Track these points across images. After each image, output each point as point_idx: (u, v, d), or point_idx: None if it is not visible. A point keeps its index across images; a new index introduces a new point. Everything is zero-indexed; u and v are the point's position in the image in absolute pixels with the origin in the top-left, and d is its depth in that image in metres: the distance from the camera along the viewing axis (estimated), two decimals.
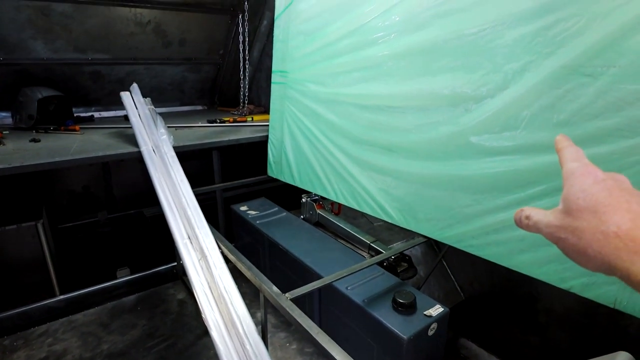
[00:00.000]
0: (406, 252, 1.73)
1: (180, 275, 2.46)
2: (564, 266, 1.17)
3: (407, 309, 1.33)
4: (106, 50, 2.76)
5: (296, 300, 1.26)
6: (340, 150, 1.85)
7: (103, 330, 2.04)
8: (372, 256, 1.80)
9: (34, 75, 2.65)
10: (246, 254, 1.60)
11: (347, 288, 1.48)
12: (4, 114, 2.75)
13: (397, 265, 1.69)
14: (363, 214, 1.85)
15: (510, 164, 1.25)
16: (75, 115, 2.80)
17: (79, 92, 2.91)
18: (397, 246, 1.82)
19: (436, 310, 1.35)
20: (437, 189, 1.47)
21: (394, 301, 1.35)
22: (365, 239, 1.84)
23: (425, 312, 1.33)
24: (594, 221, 0.35)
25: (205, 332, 1.97)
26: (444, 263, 1.91)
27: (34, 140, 2.18)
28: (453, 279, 1.89)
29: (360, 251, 1.86)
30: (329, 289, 1.52)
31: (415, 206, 1.57)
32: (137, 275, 2.43)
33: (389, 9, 1.57)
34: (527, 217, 0.42)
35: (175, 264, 2.47)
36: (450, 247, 1.47)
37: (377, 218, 1.74)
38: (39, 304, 2.16)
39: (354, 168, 1.79)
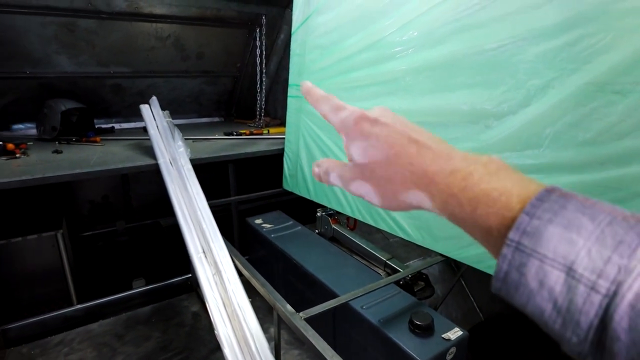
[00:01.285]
0: (423, 271, 1.69)
1: (194, 287, 2.46)
2: None
3: (425, 331, 1.29)
4: (127, 63, 2.83)
5: (310, 319, 1.23)
6: None
7: (118, 341, 2.05)
8: (388, 273, 1.76)
9: (58, 88, 2.73)
10: (260, 267, 1.58)
11: (362, 307, 1.45)
12: (29, 125, 2.83)
13: (414, 284, 1.65)
14: (379, 230, 1.82)
15: None
16: (96, 126, 2.86)
17: (101, 104, 2.98)
18: (414, 264, 1.78)
19: (455, 333, 1.30)
20: None
21: (411, 322, 1.31)
22: (381, 256, 1.81)
23: (443, 336, 1.29)
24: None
25: (218, 346, 1.95)
26: (463, 282, 1.85)
27: (57, 152, 2.23)
28: (472, 299, 1.83)
29: (375, 268, 1.83)
30: (344, 307, 1.49)
31: (433, 224, 1.53)
32: (152, 286, 2.45)
33: (406, 24, 1.55)
34: (326, 172, 0.43)
35: (190, 275, 2.47)
36: (468, 266, 1.43)
37: (393, 234, 1.71)
38: (56, 313, 2.19)
39: None
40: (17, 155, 2.12)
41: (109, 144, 2.50)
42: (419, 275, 1.69)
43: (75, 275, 2.30)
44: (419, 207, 0.37)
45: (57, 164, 1.97)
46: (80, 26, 2.46)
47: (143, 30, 2.70)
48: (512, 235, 0.26)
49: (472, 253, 1.39)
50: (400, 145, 0.36)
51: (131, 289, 2.43)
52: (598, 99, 1.05)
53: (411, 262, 1.94)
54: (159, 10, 2.59)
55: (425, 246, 1.55)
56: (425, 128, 1.37)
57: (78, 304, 2.27)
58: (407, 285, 1.65)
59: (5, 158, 2.07)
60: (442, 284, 1.92)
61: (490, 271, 1.34)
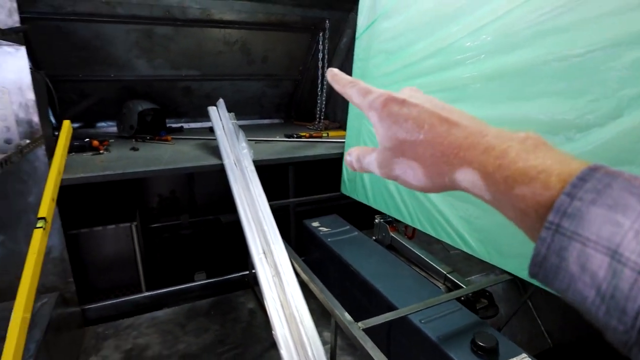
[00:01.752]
0: (487, 288, 1.60)
1: (251, 285, 2.54)
2: None
3: (488, 353, 1.22)
4: (197, 67, 2.99)
5: (367, 329, 1.22)
6: None
7: (180, 330, 2.17)
8: (448, 287, 1.69)
9: (136, 90, 2.95)
10: (315, 270, 1.59)
11: (420, 321, 1.41)
12: (110, 123, 3.10)
13: (476, 302, 1.57)
14: (439, 241, 1.76)
15: None
16: (167, 125, 3.06)
17: (172, 105, 3.18)
18: (477, 281, 1.70)
19: None
20: None
21: (473, 343, 1.25)
22: (442, 269, 1.74)
23: None
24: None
25: (272, 345, 2.00)
26: (530, 304, 1.73)
27: (133, 149, 2.42)
28: (539, 322, 1.71)
29: (434, 281, 1.76)
30: (402, 320, 1.45)
31: (501, 239, 1.45)
32: (212, 280, 2.56)
33: (479, 28, 1.48)
34: (358, 159, 0.42)
35: (247, 272, 2.56)
36: (537, 287, 1.33)
37: (454, 247, 1.64)
38: (128, 298, 2.37)
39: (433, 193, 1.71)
40: (101, 151, 2.32)
41: (179, 143, 2.66)
42: (481, 292, 1.61)
43: (145, 265, 2.48)
44: (453, 188, 0.35)
45: (134, 161, 2.13)
46: (158, 33, 2.65)
47: (213, 36, 2.84)
48: (552, 217, 0.25)
49: None
50: (431, 124, 0.35)
51: (193, 281, 2.57)
52: None
53: (473, 277, 1.85)
54: (228, 16, 2.70)
55: (491, 262, 1.47)
56: None
57: (146, 291, 2.44)
58: (468, 301, 1.57)
59: (91, 154, 2.28)
60: (507, 304, 1.81)
61: None
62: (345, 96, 0.44)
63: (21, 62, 1.66)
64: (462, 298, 1.56)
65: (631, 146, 1.07)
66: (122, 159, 2.16)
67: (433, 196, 1.70)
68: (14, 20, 1.57)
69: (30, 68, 1.69)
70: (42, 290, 1.98)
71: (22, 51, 1.64)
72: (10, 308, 1.18)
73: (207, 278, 2.59)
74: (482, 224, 1.51)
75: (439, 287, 1.69)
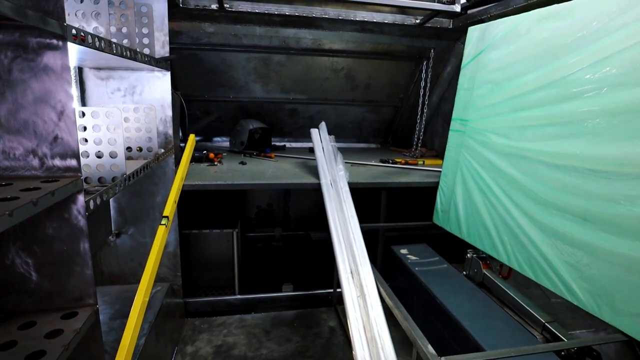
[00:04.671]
0: (594, 346, 1.42)
1: (334, 303, 2.60)
2: None
3: None
4: (304, 91, 3.23)
5: None
6: (519, 210, 1.67)
7: (265, 336, 2.31)
8: (547, 339, 1.54)
9: (249, 110, 3.29)
10: (399, 297, 1.58)
11: None
12: (224, 138, 3.49)
13: (580, 359, 1.40)
14: (538, 286, 1.61)
15: None
16: (272, 143, 3.33)
17: (278, 124, 3.46)
18: (583, 336, 1.51)
19: None
20: None
21: None
22: (540, 317, 1.59)
23: None
24: None
25: None
26: None
27: (242, 163, 2.69)
28: None
29: (531, 329, 1.62)
30: None
31: (615, 293, 1.28)
32: (298, 292, 2.68)
33: (601, 60, 1.38)
34: None
35: (332, 290, 2.62)
36: None
37: (556, 294, 1.50)
38: (222, 298, 2.60)
39: (535, 232, 1.59)
40: (215, 163, 2.63)
41: (281, 160, 2.88)
42: (587, 351, 1.43)
43: (240, 269, 2.70)
44: None
45: (241, 174, 2.37)
46: (273, 60, 2.94)
47: (321, 63, 3.05)
48: None
49: None
50: None
51: (281, 291, 2.71)
52: None
53: (577, 332, 1.65)
54: (337, 46, 2.89)
55: (602, 318, 1.31)
56: (617, 180, 1.20)
57: (239, 294, 2.65)
58: (570, 358, 1.41)
59: (207, 164, 2.60)
60: None
61: None
62: None
63: (165, 84, 2.00)
64: (563, 353, 1.41)
65: None
66: (232, 171, 2.42)
67: (534, 235, 1.59)
68: (165, 51, 1.91)
69: (171, 89, 2.03)
70: (156, 279, 2.30)
71: (167, 76, 1.98)
72: (133, 290, 1.41)
73: (294, 290, 2.72)
74: (592, 274, 1.36)
75: (535, 336, 1.55)
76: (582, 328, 1.67)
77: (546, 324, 1.56)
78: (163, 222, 1.68)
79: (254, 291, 2.68)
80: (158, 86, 1.98)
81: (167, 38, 1.91)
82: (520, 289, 1.85)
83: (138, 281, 1.40)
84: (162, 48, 1.90)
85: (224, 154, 2.96)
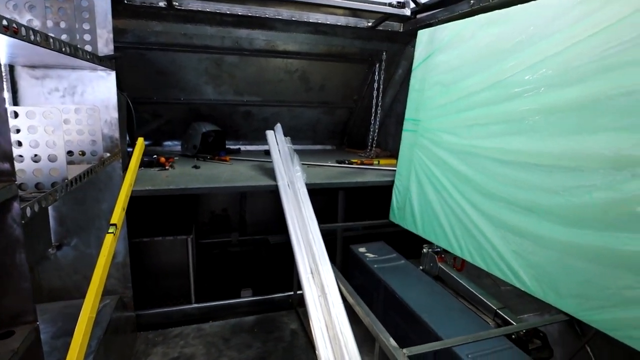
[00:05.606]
0: (540, 328, 1.51)
1: (294, 305, 2.57)
2: None
3: None
4: (258, 93, 3.19)
5: (413, 357, 1.20)
6: (470, 205, 1.76)
7: (224, 344, 2.24)
8: (498, 324, 1.62)
9: (201, 113, 3.19)
10: (359, 295, 1.60)
11: (467, 356, 1.36)
12: (175, 142, 3.36)
13: (529, 342, 1.49)
14: (489, 275, 1.70)
15: None
16: (226, 147, 3.25)
17: (232, 127, 3.39)
18: (530, 319, 1.61)
19: None
20: (588, 261, 1.28)
21: None
22: (492, 304, 1.68)
23: None
24: None
25: None
26: (588, 349, 1.61)
27: (195, 167, 2.60)
28: None
29: (483, 316, 1.70)
30: (448, 352, 1.41)
31: (557, 277, 1.38)
32: (257, 297, 2.63)
33: (539, 62, 1.48)
34: None
35: (292, 293, 2.59)
36: (598, 331, 1.25)
37: (506, 282, 1.58)
38: (178, 308, 2.49)
39: (485, 225, 1.68)
40: (166, 167, 2.52)
41: (236, 164, 2.82)
42: (535, 332, 1.53)
43: (196, 277, 2.60)
44: None
45: (195, 178, 2.28)
46: (226, 61, 2.88)
47: (275, 65, 3.03)
48: None
49: (608, 317, 1.21)
50: None
51: (239, 297, 2.64)
52: None
53: (526, 315, 1.76)
54: (291, 47, 2.89)
55: (546, 301, 1.40)
56: (557, 173, 1.28)
57: (195, 302, 2.55)
58: (520, 340, 1.50)
59: (157, 169, 2.48)
60: (562, 347, 1.69)
61: (632, 342, 1.16)
62: None
63: (110, 84, 1.88)
64: (514, 336, 1.49)
65: None
66: (185, 175, 2.33)
67: (485, 228, 1.67)
68: (109, 49, 1.80)
69: (117, 90, 1.92)
70: (104, 292, 2.15)
71: (112, 75, 1.87)
72: (77, 305, 1.30)
73: (253, 295, 2.66)
74: (537, 260, 1.45)
75: (487, 322, 1.63)
76: (529, 312, 1.78)
77: (497, 310, 1.65)
78: (111, 230, 1.58)
79: (211, 299, 2.59)
80: (102, 86, 1.86)
81: (111, 35, 1.80)
82: (473, 280, 1.93)
83: (83, 296, 1.30)
84: (105, 46, 1.79)
85: (175, 158, 2.84)
